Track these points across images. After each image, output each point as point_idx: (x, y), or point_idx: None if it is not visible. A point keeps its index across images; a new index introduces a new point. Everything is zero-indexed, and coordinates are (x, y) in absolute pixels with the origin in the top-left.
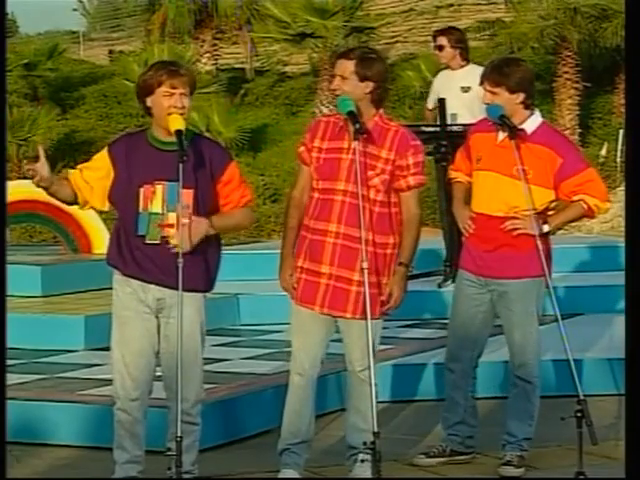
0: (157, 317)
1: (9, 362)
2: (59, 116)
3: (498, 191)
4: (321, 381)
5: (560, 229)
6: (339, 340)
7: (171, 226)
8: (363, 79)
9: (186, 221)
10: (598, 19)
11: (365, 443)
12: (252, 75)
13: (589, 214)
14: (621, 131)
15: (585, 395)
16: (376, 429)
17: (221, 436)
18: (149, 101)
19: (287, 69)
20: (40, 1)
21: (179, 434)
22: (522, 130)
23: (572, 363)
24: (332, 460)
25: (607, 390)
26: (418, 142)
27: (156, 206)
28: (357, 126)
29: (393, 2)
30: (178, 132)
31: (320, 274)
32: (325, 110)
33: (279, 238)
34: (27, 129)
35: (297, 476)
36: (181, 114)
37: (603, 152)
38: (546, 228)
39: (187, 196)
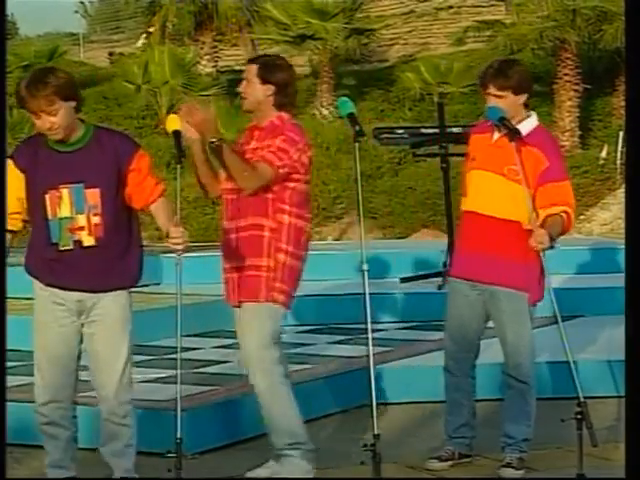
0: (79, 318)
1: (9, 364)
2: None
3: (486, 189)
4: (322, 382)
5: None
6: (341, 342)
7: (82, 229)
8: (264, 82)
9: (99, 221)
10: (598, 21)
11: (365, 445)
12: None
13: (569, 228)
14: (621, 133)
15: (585, 397)
16: (376, 431)
17: (222, 437)
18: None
19: None
20: (40, 3)
21: (179, 436)
22: (517, 131)
23: (572, 365)
24: (333, 461)
25: (607, 392)
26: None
27: (65, 211)
28: (357, 128)
29: (393, 4)
30: (176, 133)
31: None
32: (325, 112)
33: None
34: (27, 130)
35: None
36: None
37: (603, 154)
38: (552, 242)
39: (93, 196)
